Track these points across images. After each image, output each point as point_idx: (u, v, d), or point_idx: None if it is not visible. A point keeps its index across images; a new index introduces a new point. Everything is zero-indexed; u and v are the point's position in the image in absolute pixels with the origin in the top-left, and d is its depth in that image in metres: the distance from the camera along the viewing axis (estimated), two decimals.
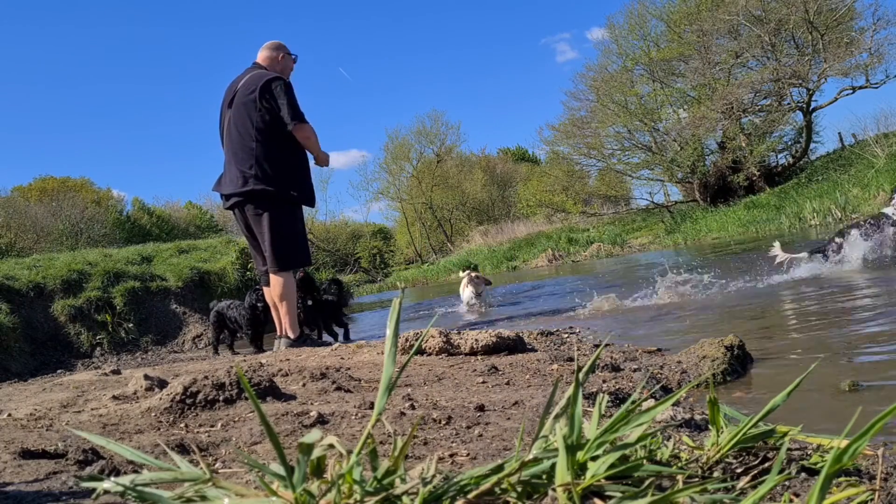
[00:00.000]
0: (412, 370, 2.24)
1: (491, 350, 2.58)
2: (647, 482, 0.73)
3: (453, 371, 2.21)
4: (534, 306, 5.95)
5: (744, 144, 20.38)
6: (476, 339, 2.61)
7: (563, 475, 0.70)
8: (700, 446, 0.93)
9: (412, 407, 1.55)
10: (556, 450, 0.73)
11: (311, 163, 4.33)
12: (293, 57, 4.45)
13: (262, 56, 4.34)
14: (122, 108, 78.75)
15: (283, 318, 4.14)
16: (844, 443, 0.68)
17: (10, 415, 1.72)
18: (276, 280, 4.11)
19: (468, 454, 1.13)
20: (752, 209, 16.29)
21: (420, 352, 2.63)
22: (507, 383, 1.95)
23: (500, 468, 0.72)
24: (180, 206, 41.80)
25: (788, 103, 20.30)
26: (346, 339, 4.99)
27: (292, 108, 4.05)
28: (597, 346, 2.94)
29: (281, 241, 4.08)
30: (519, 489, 0.71)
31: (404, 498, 0.68)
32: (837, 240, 4.75)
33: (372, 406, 1.57)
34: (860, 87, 19.48)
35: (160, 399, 1.61)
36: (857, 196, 12.11)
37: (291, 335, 4.12)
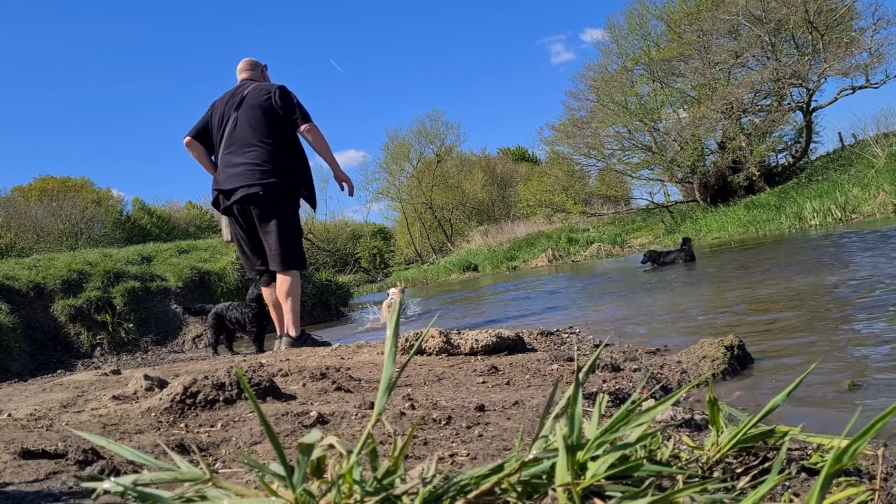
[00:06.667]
0: (412, 370, 2.24)
1: (491, 350, 2.58)
2: (647, 482, 0.73)
3: (453, 371, 2.21)
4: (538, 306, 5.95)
5: (744, 144, 20.38)
6: (476, 339, 2.61)
7: (563, 475, 0.70)
8: (700, 446, 0.93)
9: (412, 407, 1.55)
10: (556, 450, 0.73)
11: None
12: (265, 66, 4.66)
13: (249, 75, 4.47)
14: (121, 109, 78.96)
15: (287, 316, 4.13)
16: (844, 443, 0.68)
17: (10, 415, 1.72)
18: (283, 278, 4.10)
19: (468, 454, 1.13)
20: (752, 209, 16.29)
21: (420, 352, 2.63)
22: (507, 383, 1.95)
23: (500, 468, 0.72)
24: (180, 206, 41.83)
25: (788, 103, 20.30)
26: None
27: (303, 109, 4.23)
28: (597, 346, 2.94)
29: (289, 240, 4.09)
30: (519, 489, 0.71)
31: (404, 498, 0.68)
32: None
33: (372, 406, 1.57)
34: (860, 87, 19.48)
35: (160, 399, 1.61)
36: (857, 196, 12.11)
37: (293, 334, 4.10)
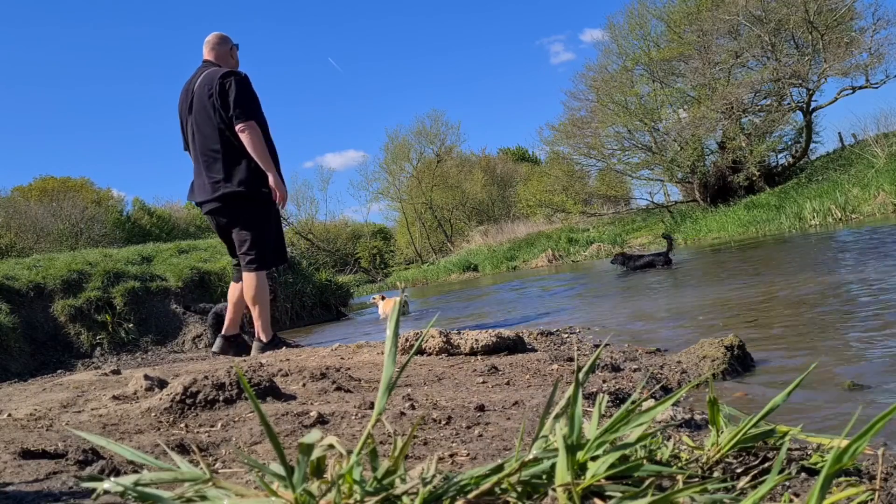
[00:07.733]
0: (412, 370, 2.24)
1: (491, 350, 2.58)
2: (647, 482, 0.73)
3: (453, 371, 2.21)
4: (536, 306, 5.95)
5: (744, 144, 20.36)
6: (476, 339, 2.61)
7: (563, 475, 0.70)
8: (700, 446, 0.93)
9: (412, 407, 1.55)
10: (556, 450, 0.73)
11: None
12: (236, 45, 4.33)
13: (212, 54, 4.19)
14: (121, 109, 78.92)
15: (255, 322, 4.08)
16: (844, 443, 0.68)
17: (10, 415, 1.72)
18: (248, 279, 4.04)
19: (468, 454, 1.13)
20: (752, 209, 16.27)
21: (420, 352, 2.63)
22: (507, 383, 1.95)
23: (500, 468, 0.72)
24: (180, 206, 41.73)
25: (788, 103, 20.29)
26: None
27: (241, 104, 3.89)
28: (597, 346, 2.94)
29: (255, 240, 4.02)
30: (519, 489, 0.71)
31: (404, 498, 0.68)
32: None
33: (372, 406, 1.57)
34: (860, 87, 19.47)
35: (160, 399, 1.60)
36: (857, 196, 12.11)
37: (264, 338, 4.06)
